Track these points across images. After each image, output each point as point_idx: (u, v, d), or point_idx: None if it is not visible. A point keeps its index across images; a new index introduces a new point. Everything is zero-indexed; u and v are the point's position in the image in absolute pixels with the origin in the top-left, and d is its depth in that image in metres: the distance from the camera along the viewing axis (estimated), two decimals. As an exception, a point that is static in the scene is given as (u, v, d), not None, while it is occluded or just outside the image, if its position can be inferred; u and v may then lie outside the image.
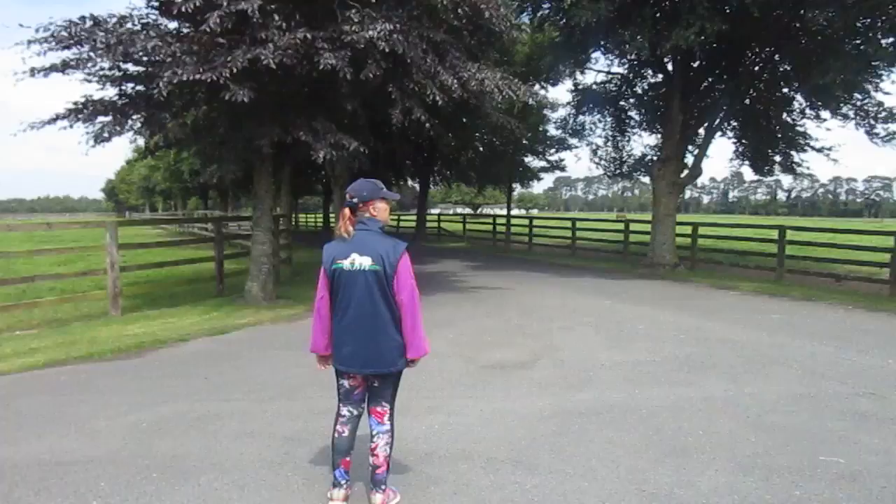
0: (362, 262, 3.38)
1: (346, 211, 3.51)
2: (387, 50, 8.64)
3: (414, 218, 34.94)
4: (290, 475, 4.08)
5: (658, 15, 14.11)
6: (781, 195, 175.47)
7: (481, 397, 5.78)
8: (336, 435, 3.64)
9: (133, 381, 6.39)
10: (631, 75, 19.56)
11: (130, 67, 9.87)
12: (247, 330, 9.05)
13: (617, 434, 4.85)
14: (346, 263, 3.40)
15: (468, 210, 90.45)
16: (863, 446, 4.65)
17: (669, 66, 17.10)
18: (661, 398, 5.79)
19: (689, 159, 17.62)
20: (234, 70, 8.00)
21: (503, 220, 27.08)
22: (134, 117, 9.36)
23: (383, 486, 3.61)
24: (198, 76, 7.99)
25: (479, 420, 5.16)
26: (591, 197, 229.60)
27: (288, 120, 9.49)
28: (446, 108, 10.30)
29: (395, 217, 45.23)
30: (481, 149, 28.15)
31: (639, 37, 13.62)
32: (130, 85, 10.01)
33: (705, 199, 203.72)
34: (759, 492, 3.89)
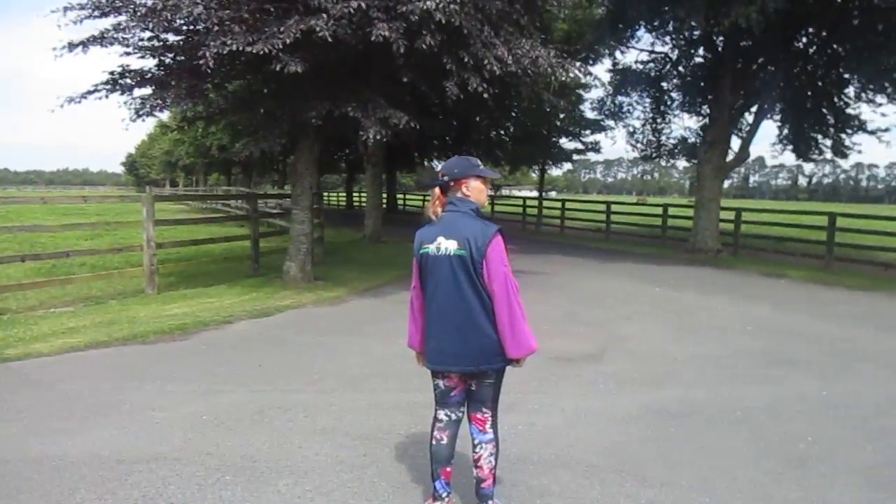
0: (448, 246, 3.00)
1: (437, 190, 3.18)
2: (443, 21, 8.14)
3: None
4: (376, 481, 3.70)
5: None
6: (802, 180, 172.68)
7: (558, 394, 5.38)
8: (434, 442, 3.24)
9: (182, 366, 6.05)
10: (676, 54, 18.83)
11: (171, 37, 9.46)
12: (290, 312, 8.70)
13: (719, 439, 4.44)
14: (432, 248, 3.05)
15: (490, 192, 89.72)
16: None
17: (719, 46, 16.41)
18: (752, 397, 5.36)
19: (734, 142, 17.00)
20: (287, 41, 7.55)
21: (533, 203, 26.54)
22: (176, 88, 8.90)
23: (490, 502, 3.22)
24: (248, 48, 7.54)
25: (564, 420, 4.76)
26: (611, 180, 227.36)
27: (336, 93, 9.03)
28: (490, 86, 9.77)
29: (421, 197, 44.80)
30: (512, 129, 27.52)
31: (694, 13, 12.97)
32: (171, 55, 9.58)
33: (725, 184, 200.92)
34: (904, 513, 3.47)
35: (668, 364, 6.39)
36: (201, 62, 7.53)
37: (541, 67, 9.90)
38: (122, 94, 9.56)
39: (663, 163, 22.07)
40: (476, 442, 3.20)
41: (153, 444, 4.18)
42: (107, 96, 9.51)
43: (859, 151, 17.61)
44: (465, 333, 3.00)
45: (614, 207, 22.19)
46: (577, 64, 11.04)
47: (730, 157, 16.67)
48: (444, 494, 3.24)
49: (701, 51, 18.10)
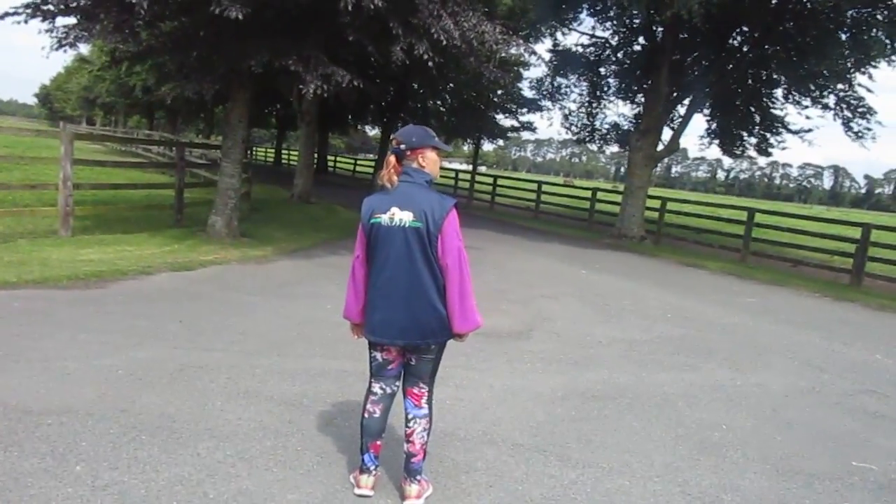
0: (403, 217, 2.93)
1: (392, 158, 3.06)
2: None
3: (373, 163, 34.00)
4: (301, 450, 3.61)
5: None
6: (721, 174, 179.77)
7: (486, 370, 5.40)
8: (366, 415, 3.18)
9: (98, 316, 5.74)
10: (616, 40, 19.06)
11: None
12: (214, 268, 8.40)
13: (639, 423, 4.56)
14: (384, 218, 2.95)
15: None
16: (887, 450, 4.49)
17: (658, 36, 16.69)
18: (671, 383, 5.54)
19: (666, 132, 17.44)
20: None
21: (465, 177, 26.54)
22: (104, 21, 8.31)
23: (418, 477, 3.19)
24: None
25: (491, 397, 4.78)
26: (540, 160, 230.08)
27: (277, 45, 8.65)
28: (435, 55, 9.60)
29: (352, 160, 44.12)
30: (449, 100, 27.34)
31: (638, 1, 13.11)
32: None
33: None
34: (808, 501, 3.65)
35: (592, 346, 6.52)
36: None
37: (486, 43, 9.80)
38: (43, 20, 8.85)
39: (594, 147, 22.39)
40: (410, 416, 3.16)
41: (64, 397, 3.95)
42: (26, 21, 8.79)
43: (783, 148, 18.41)
44: (413, 306, 2.95)
45: (544, 188, 22.43)
46: (521, 42, 10.98)
47: (660, 147, 17.08)
48: (372, 468, 3.20)
49: (640, 39, 18.37)
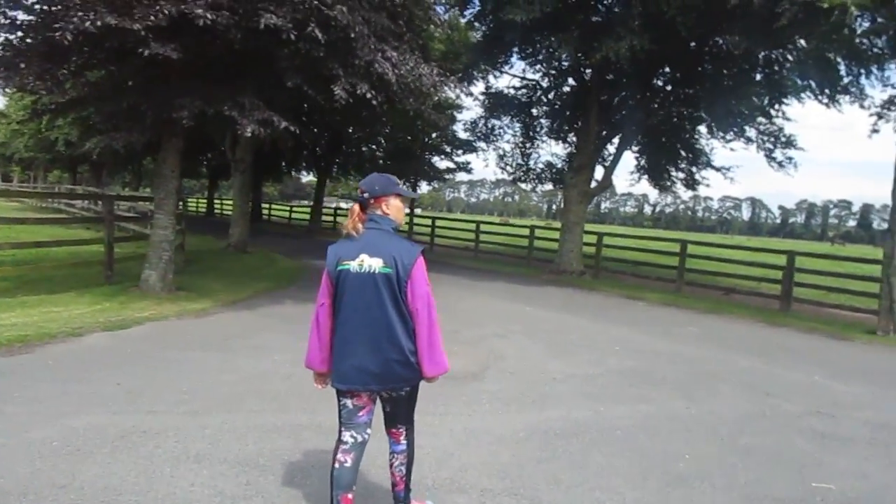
0: (372, 263, 2.98)
1: (356, 207, 3.15)
2: (331, 14, 7.89)
3: (308, 210, 33.63)
4: (262, 513, 3.40)
5: (590, 22, 14.16)
6: (648, 209, 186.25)
7: (445, 414, 5.28)
8: (337, 465, 3.09)
9: (27, 384, 5.34)
10: (546, 83, 19.62)
11: (21, 15, 8.48)
12: (150, 325, 8.00)
13: (605, 459, 4.51)
14: (353, 265, 3.00)
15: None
16: (841, 469, 4.59)
17: (587, 78, 17.26)
18: (629, 416, 5.54)
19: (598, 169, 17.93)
20: (162, 23, 6.96)
21: (404, 219, 26.47)
22: (24, 71, 7.96)
23: None
24: (114, 23, 6.83)
25: (453, 442, 4.66)
26: (474, 200, 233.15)
27: (210, 92, 8.48)
28: (378, 93, 9.63)
29: (287, 207, 43.48)
30: (384, 143, 27.47)
31: (566, 44, 13.57)
32: (19, 34, 8.58)
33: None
34: (779, 528, 3.65)
35: (547, 384, 6.48)
36: (57, 35, 6.74)
37: (425, 85, 9.90)
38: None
39: (527, 187, 22.81)
40: (391, 451, 3.24)
41: (-8, 477, 3.61)
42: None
43: (707, 185, 19.18)
44: (384, 350, 2.97)
45: (482, 227, 22.61)
46: (456, 83, 11.15)
47: (594, 184, 17.52)
48: None
49: (570, 81, 18.96)
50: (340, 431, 3.12)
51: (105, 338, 7.20)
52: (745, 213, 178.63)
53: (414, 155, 27.24)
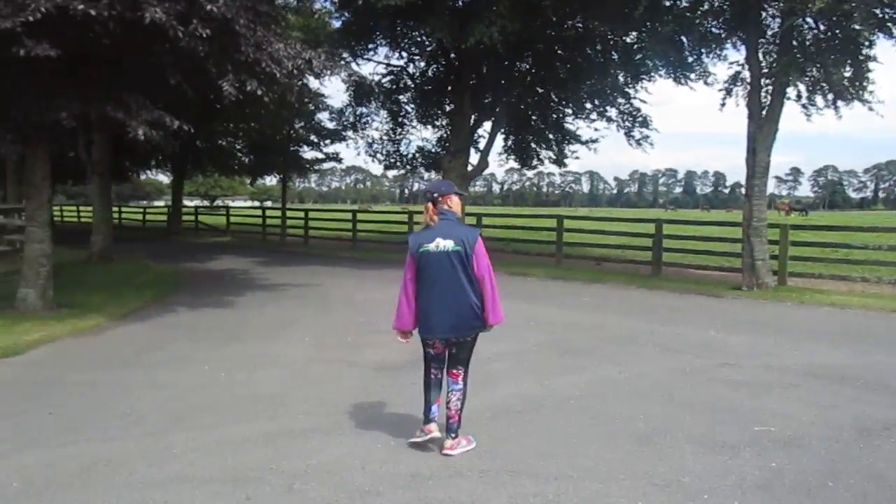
0: (446, 244, 4.12)
1: (430, 204, 4.26)
2: (213, 10, 7.49)
3: (164, 210, 31.60)
4: (278, 528, 3.28)
5: (459, 7, 14.43)
6: (496, 187, 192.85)
7: (400, 405, 5.30)
8: (432, 377, 4.37)
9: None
10: (412, 68, 19.71)
11: None
12: (46, 347, 7.29)
13: (573, 428, 4.75)
14: (431, 246, 4.14)
15: (205, 202, 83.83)
16: (771, 412, 5.10)
17: (455, 62, 17.55)
18: (574, 385, 5.86)
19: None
20: (36, 17, 6.29)
21: (275, 213, 25.71)
22: None
23: (454, 434, 4.21)
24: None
25: (428, 430, 4.69)
26: (325, 189, 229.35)
27: (88, 92, 7.76)
28: (269, 89, 9.30)
29: (140, 209, 40.56)
30: (247, 137, 26.36)
31: (439, 30, 13.75)
32: None
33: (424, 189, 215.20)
34: (747, 468, 4.02)
35: (483, 363, 6.58)
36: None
37: (315, 69, 9.71)
38: None
39: (394, 173, 22.94)
40: (449, 389, 4.30)
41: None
42: None
43: (576, 158, 20.29)
44: (459, 307, 4.14)
45: (361, 216, 22.50)
46: (343, 65, 11.02)
47: (471, 167, 17.94)
48: (435, 417, 4.30)
49: (436, 66, 19.18)
50: (428, 366, 4.37)
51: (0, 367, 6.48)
52: (585, 186, 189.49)
53: (280, 147, 26.35)
